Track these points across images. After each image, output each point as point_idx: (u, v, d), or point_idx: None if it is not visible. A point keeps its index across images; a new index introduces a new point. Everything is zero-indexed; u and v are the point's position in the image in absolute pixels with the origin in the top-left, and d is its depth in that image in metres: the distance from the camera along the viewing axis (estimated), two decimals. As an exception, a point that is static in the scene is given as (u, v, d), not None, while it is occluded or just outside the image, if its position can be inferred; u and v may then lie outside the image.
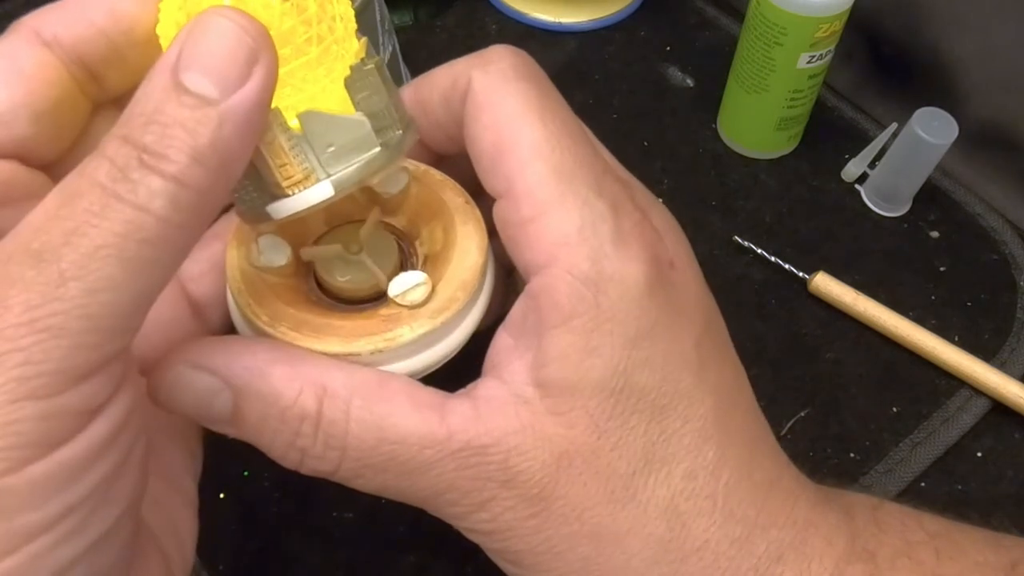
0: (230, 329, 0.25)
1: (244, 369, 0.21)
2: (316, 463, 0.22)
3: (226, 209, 0.25)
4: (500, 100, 0.23)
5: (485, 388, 0.22)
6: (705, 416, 0.23)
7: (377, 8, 0.45)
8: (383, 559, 0.37)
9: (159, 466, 0.24)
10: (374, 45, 0.45)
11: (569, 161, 0.23)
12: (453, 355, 0.24)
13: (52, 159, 0.22)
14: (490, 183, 0.23)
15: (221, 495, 0.38)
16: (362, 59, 0.21)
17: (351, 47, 0.21)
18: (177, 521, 0.24)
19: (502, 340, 0.23)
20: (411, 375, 0.23)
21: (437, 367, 0.24)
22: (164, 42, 0.20)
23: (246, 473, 0.38)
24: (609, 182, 0.23)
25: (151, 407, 0.22)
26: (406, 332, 0.23)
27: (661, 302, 0.22)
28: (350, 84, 0.21)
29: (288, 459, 0.22)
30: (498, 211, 0.23)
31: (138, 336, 0.19)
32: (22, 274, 0.16)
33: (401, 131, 0.22)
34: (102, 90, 0.22)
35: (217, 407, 0.21)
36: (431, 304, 0.23)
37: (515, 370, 0.22)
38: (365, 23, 0.44)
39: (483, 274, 0.24)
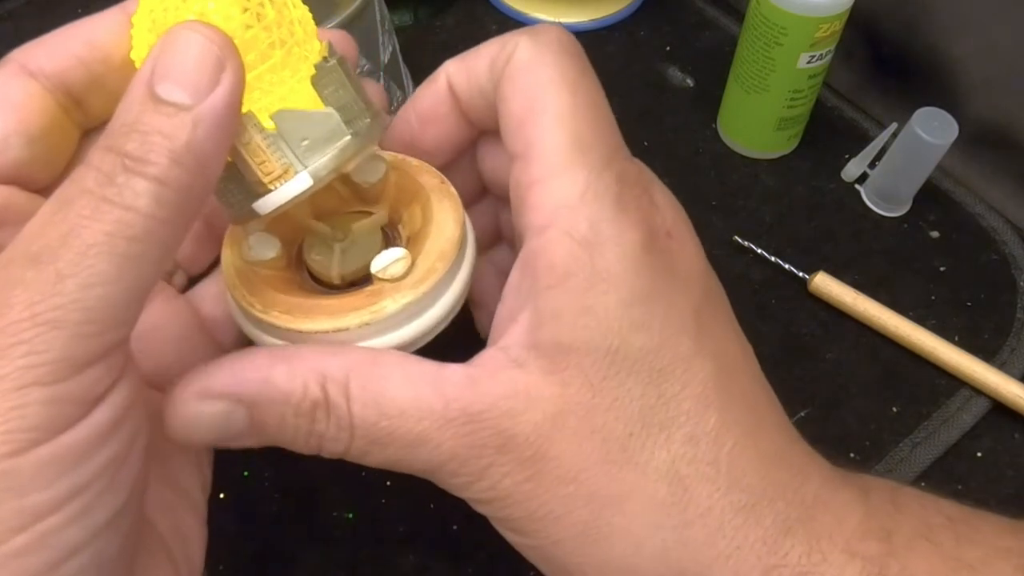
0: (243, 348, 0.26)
1: (248, 381, 0.22)
2: (332, 445, 0.23)
3: None
4: (538, 67, 0.24)
5: (482, 357, 0.23)
6: (705, 382, 0.22)
7: (377, 8, 0.45)
8: (383, 559, 0.37)
9: (166, 474, 0.24)
10: (374, 45, 0.45)
11: (588, 133, 0.23)
12: (444, 325, 0.25)
13: (47, 183, 0.24)
14: (511, 144, 0.24)
15: (221, 495, 0.38)
16: (324, 57, 0.23)
17: (313, 48, 0.23)
18: (184, 528, 0.24)
19: (501, 309, 0.24)
20: (403, 347, 0.24)
21: (430, 338, 0.25)
22: (139, 65, 0.22)
23: (246, 473, 0.38)
24: (620, 158, 0.24)
25: (157, 413, 0.22)
26: (390, 304, 0.24)
27: (658, 267, 0.23)
28: (316, 81, 0.23)
29: (309, 447, 0.23)
30: (512, 173, 0.24)
31: (151, 353, 0.20)
32: (22, 276, 0.18)
33: (369, 119, 0.24)
34: (87, 116, 0.24)
35: (234, 426, 0.22)
36: (411, 276, 0.24)
37: (511, 334, 0.23)
38: (365, 23, 0.44)
39: (461, 245, 0.25)
